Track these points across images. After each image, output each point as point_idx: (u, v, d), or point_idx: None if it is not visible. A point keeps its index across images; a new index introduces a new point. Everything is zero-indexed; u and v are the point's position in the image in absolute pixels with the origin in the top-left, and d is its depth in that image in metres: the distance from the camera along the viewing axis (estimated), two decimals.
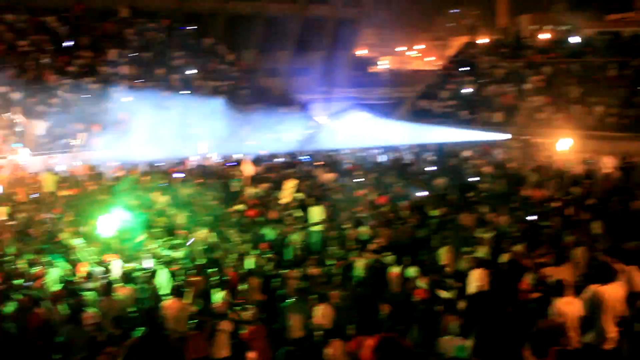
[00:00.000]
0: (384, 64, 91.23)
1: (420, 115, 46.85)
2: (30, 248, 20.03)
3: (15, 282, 17.19)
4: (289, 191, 26.59)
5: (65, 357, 12.08)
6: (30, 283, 17.00)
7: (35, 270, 17.96)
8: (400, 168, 33.45)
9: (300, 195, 26.03)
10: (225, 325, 14.40)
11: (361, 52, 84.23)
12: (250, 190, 27.96)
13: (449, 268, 17.85)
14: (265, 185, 28.81)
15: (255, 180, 30.08)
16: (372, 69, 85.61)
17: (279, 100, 45.91)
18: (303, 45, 61.65)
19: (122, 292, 16.61)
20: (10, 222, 22.93)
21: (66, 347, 13.43)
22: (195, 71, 46.46)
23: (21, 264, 18.57)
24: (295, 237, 20.91)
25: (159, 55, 46.25)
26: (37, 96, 36.69)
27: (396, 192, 26.94)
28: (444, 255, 18.49)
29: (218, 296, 16.01)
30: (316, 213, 23.31)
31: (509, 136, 40.12)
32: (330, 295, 15.21)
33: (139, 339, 9.76)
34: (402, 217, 22.84)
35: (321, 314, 14.55)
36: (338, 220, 23.09)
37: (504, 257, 17.53)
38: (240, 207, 24.92)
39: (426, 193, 26.61)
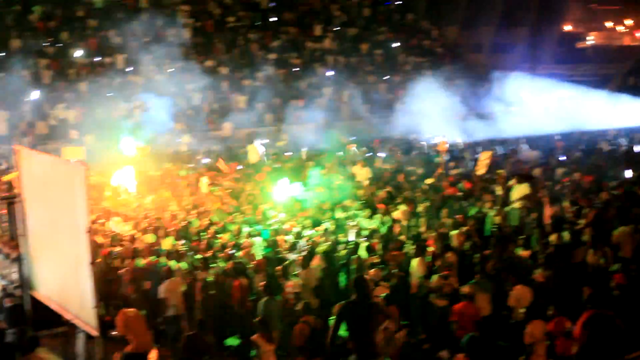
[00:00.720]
0: (591, 39, 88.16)
1: (629, 91, 45.15)
2: (235, 219, 20.80)
3: (219, 251, 17.96)
4: (484, 162, 26.22)
5: (265, 326, 12.53)
6: (234, 252, 17.70)
7: (239, 240, 18.66)
8: (608, 146, 32.40)
9: (502, 172, 25.67)
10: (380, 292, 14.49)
11: (567, 27, 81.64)
12: (450, 166, 27.90)
13: (627, 252, 17.16)
14: (465, 162, 28.69)
15: (455, 157, 29.96)
16: (579, 45, 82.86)
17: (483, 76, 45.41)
18: (507, 20, 60.45)
19: (321, 263, 17.01)
20: (216, 193, 23.89)
21: (265, 316, 13.85)
22: (398, 46, 46.65)
23: (225, 234, 19.37)
24: (496, 215, 20.66)
25: (364, 31, 46.71)
26: (243, 71, 37.94)
27: (603, 172, 26.09)
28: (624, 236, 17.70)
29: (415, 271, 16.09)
30: (518, 191, 22.87)
31: None
32: (532, 276, 15.02)
33: (348, 304, 9.98)
34: (608, 197, 22.07)
35: (517, 294, 14.37)
36: (539, 200, 22.61)
37: None
38: (440, 183, 24.90)
39: (635, 174, 25.66)
